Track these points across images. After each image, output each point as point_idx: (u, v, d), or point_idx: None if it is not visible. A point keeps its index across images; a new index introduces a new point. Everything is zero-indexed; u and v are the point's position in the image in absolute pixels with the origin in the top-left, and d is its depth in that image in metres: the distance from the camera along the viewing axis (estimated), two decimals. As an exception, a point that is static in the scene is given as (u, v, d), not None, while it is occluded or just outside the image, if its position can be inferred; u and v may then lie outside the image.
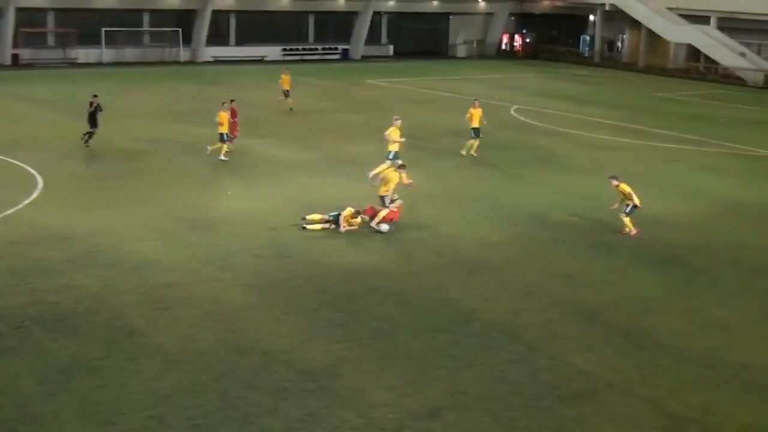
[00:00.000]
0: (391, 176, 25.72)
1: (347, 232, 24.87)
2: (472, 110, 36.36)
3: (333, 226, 24.98)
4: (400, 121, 31.50)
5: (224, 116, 34.19)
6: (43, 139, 37.30)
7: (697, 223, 27.54)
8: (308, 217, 25.37)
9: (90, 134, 35.57)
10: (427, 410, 15.06)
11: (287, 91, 47.63)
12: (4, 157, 33.04)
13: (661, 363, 17.28)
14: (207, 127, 35.88)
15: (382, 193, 25.52)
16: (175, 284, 20.55)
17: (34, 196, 27.89)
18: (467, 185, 31.43)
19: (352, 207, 25.34)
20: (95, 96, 36.19)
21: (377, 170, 27.62)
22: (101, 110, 35.77)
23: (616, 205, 25.77)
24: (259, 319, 18.73)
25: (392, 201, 25.46)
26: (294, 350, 17.22)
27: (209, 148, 34.06)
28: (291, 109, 46.15)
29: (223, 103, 35.14)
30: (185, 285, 20.55)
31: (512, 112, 49.67)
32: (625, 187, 25.55)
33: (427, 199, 28.03)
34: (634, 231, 25.42)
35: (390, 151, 30.49)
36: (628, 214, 25.43)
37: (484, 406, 15.27)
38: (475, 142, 36.18)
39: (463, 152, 36.14)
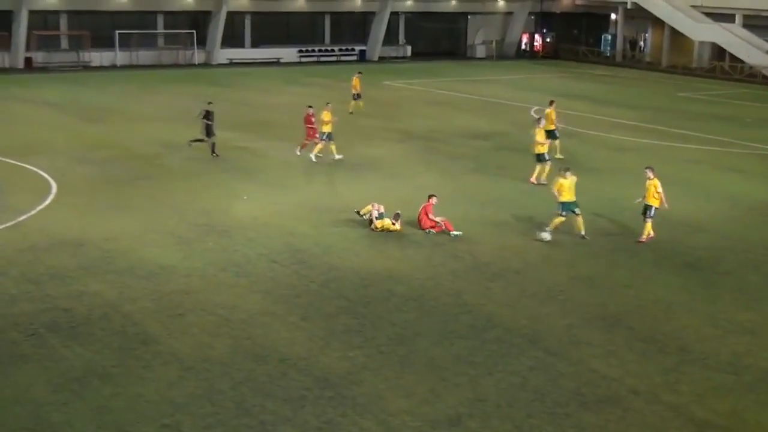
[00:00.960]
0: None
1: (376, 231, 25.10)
2: (548, 111, 36.05)
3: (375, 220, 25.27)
4: (330, 105, 35.19)
5: (328, 115, 34.33)
6: (57, 143, 37.20)
7: (721, 225, 27.15)
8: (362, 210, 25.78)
9: (200, 141, 35.27)
10: (447, 418, 14.86)
11: (358, 93, 47.29)
12: (17, 162, 32.95)
13: (687, 368, 17.01)
14: (221, 130, 35.65)
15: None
16: (190, 290, 20.35)
17: (47, 201, 27.76)
18: (485, 187, 31.11)
19: (391, 218, 25.33)
20: (210, 103, 35.89)
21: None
22: (211, 119, 35.02)
23: (640, 200, 25.32)
24: (275, 326, 18.49)
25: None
26: (311, 357, 17.01)
27: (308, 154, 34.48)
28: (351, 113, 45.34)
29: (327, 103, 35.49)
30: (200, 291, 20.34)
31: (532, 113, 49.27)
32: (658, 184, 24.96)
33: (445, 201, 27.69)
34: (649, 236, 24.93)
35: (324, 132, 34.22)
36: (651, 217, 24.92)
37: (506, 414, 15.04)
38: (556, 143, 35.37)
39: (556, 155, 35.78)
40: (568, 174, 25.05)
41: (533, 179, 31.14)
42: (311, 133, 34.80)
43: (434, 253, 23.67)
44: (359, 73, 49.29)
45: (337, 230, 25.34)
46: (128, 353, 16.99)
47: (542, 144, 31.14)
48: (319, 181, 31.38)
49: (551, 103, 36.71)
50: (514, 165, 34.70)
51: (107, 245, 23.34)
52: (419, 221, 25.41)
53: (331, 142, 34.39)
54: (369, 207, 25.58)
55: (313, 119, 34.80)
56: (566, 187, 24.78)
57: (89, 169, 32.40)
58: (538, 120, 32.93)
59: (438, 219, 25.29)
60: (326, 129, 34.20)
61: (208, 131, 34.94)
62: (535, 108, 36.35)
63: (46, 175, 30.92)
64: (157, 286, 20.51)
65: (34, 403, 15.04)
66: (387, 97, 54.57)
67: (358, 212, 25.81)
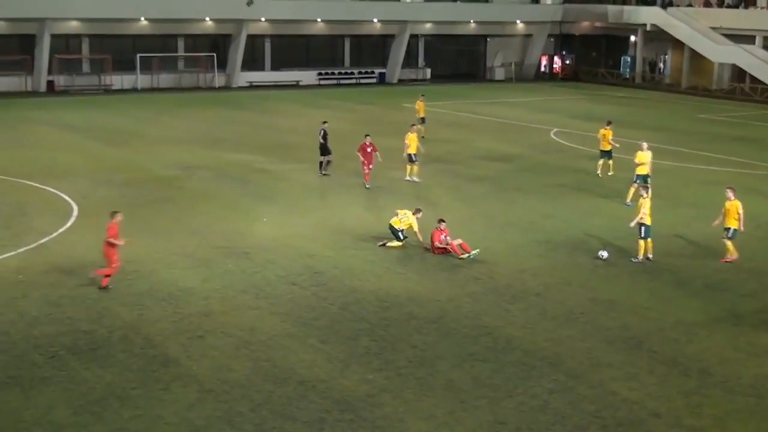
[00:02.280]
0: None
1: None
2: (603, 131, 37.28)
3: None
4: (415, 126, 36.82)
5: (412, 138, 35.16)
6: (79, 166, 37.41)
7: (742, 247, 26.90)
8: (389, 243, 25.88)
9: (327, 162, 36.37)
10: (467, 442, 14.73)
11: (422, 118, 47.09)
12: (40, 185, 33.15)
13: (708, 391, 16.86)
14: (241, 153, 35.80)
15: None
16: (210, 312, 20.38)
17: (69, 223, 27.90)
18: (505, 210, 31.07)
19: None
20: (325, 122, 36.95)
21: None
22: (326, 138, 36.25)
23: (717, 222, 25.34)
24: (295, 348, 18.47)
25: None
26: (331, 379, 16.97)
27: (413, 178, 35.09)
28: (422, 137, 43.94)
29: (413, 125, 37.10)
30: (220, 313, 20.36)
31: (552, 135, 49.29)
32: (738, 206, 25.15)
33: (464, 224, 27.68)
34: (734, 256, 25.01)
35: (409, 154, 35.24)
36: (730, 238, 24.96)
37: (526, 438, 14.91)
38: (610, 162, 37.18)
39: (609, 172, 37.12)
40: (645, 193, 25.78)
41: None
42: (367, 162, 33.76)
43: (454, 275, 23.63)
44: (422, 95, 49.07)
45: (356, 252, 25.34)
46: (148, 375, 17.01)
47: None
48: (338, 204, 31.40)
49: (608, 123, 37.88)
50: (533, 187, 34.65)
51: (128, 267, 23.36)
52: (432, 247, 25.37)
53: (415, 164, 35.31)
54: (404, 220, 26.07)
55: (368, 149, 33.75)
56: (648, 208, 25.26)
57: (110, 191, 32.55)
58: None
59: (455, 242, 25.24)
60: (411, 151, 35.13)
61: (323, 150, 36.19)
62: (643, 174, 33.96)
63: (67, 198, 31.09)
64: (176, 308, 20.56)
65: (54, 425, 15.07)
66: (406, 119, 54.49)
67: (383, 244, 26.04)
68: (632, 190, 31.58)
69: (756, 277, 24.11)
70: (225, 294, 21.65)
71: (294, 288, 22.21)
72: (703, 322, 20.52)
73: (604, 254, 25.17)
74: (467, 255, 24.93)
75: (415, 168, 35.44)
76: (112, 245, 21.89)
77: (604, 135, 37.13)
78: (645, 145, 32.97)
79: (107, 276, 21.87)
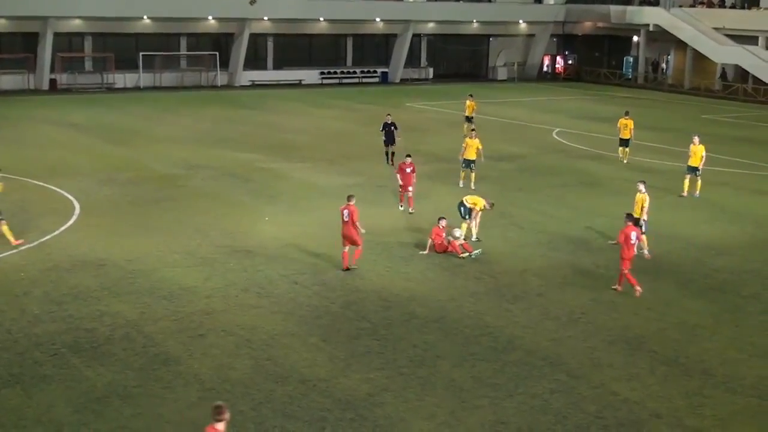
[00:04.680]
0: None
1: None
2: (624, 121, 40.28)
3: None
4: (475, 132, 35.88)
5: (471, 143, 34.55)
6: (81, 164, 37.42)
7: (745, 248, 26.95)
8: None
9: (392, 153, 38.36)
10: (468, 441, 14.72)
11: (470, 117, 47.35)
12: (42, 183, 33.16)
13: (710, 392, 16.86)
14: (244, 152, 35.78)
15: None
16: (211, 311, 20.38)
17: (71, 222, 27.90)
18: (507, 209, 31.03)
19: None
20: (388, 114, 39.35)
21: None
22: (396, 128, 38.45)
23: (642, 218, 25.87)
24: (296, 347, 18.47)
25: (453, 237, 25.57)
26: (332, 379, 16.97)
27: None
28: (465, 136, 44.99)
29: (472, 130, 36.65)
30: (222, 312, 20.36)
31: (554, 135, 49.26)
32: (645, 199, 25.95)
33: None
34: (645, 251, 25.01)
35: (465, 159, 34.35)
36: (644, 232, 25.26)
37: (527, 438, 14.91)
38: (627, 150, 40.51)
39: (624, 160, 40.32)
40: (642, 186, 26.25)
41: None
42: (405, 185, 30.16)
43: (455, 274, 23.62)
44: (471, 95, 49.37)
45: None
46: (149, 374, 17.02)
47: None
48: (340, 203, 31.25)
49: (627, 113, 41.17)
50: (535, 187, 34.64)
51: (129, 266, 23.43)
52: (435, 246, 25.34)
53: (471, 170, 34.45)
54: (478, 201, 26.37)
55: (407, 169, 30.23)
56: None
57: (112, 190, 32.56)
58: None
59: (456, 241, 25.23)
60: (469, 156, 34.35)
61: (391, 138, 38.40)
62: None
63: (69, 196, 31.10)
64: (178, 307, 20.55)
65: (55, 423, 15.08)
66: (409, 118, 54.58)
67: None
68: (686, 183, 33.71)
69: (758, 278, 24.08)
70: (227, 293, 21.65)
71: (296, 287, 22.21)
72: (704, 323, 20.51)
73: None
74: (468, 254, 24.92)
75: (472, 175, 34.31)
76: (356, 227, 23.58)
77: (625, 125, 40.09)
78: (697, 139, 34.29)
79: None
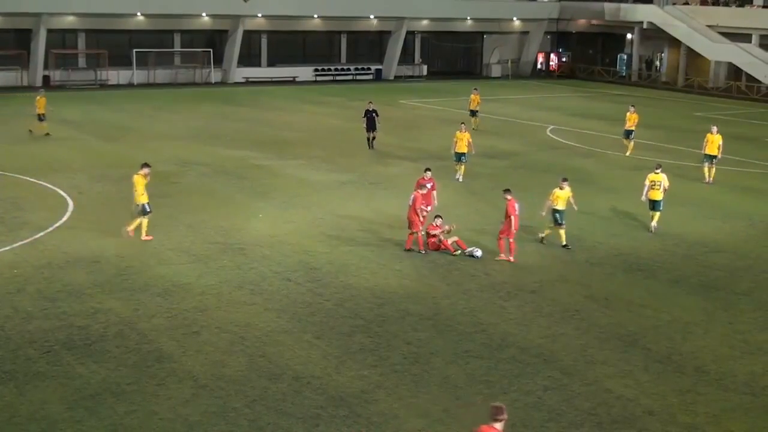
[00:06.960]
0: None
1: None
2: (629, 114, 42.23)
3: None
4: (464, 125, 36.31)
5: (461, 136, 35.12)
6: (74, 161, 37.36)
7: (738, 245, 27.00)
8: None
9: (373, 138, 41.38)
10: (461, 438, 14.72)
11: (474, 111, 49.03)
12: (35, 180, 33.10)
13: (703, 389, 16.90)
14: (237, 149, 35.74)
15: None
16: (205, 308, 20.36)
17: (64, 218, 27.86)
18: (501, 207, 30.96)
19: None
20: (370, 102, 42.31)
21: None
22: (377, 115, 41.29)
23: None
24: (290, 344, 18.47)
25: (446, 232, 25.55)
26: (326, 376, 16.97)
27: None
28: (474, 128, 46.42)
29: (462, 124, 36.67)
30: (215, 309, 20.35)
31: (548, 132, 49.28)
32: (569, 194, 26.32)
33: (460, 220, 27.62)
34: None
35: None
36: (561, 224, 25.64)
37: (521, 435, 14.91)
38: (630, 143, 42.23)
39: (628, 153, 41.79)
40: (565, 185, 26.21)
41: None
42: (416, 222, 25.13)
43: (449, 272, 23.63)
44: (475, 89, 50.80)
45: (351, 249, 25.33)
46: (143, 371, 17.00)
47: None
48: (334, 200, 31.36)
49: (632, 107, 42.80)
50: (529, 184, 34.62)
51: (123, 263, 23.39)
52: (429, 243, 25.30)
53: (462, 162, 35.29)
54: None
55: (427, 185, 27.02)
56: (561, 198, 25.96)
57: (106, 187, 32.51)
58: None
59: (450, 239, 25.23)
60: (459, 150, 35.16)
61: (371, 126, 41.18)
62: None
63: (63, 193, 31.05)
64: (172, 304, 20.53)
65: (48, 420, 15.05)
66: (403, 116, 54.63)
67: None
68: (706, 170, 36.15)
69: (751, 275, 24.13)
70: (220, 290, 21.63)
71: (289, 284, 22.20)
72: (698, 320, 20.55)
73: (478, 253, 24.94)
74: (461, 251, 24.92)
75: (462, 167, 35.21)
76: (416, 213, 24.76)
77: (630, 117, 42.13)
78: (715, 129, 36.58)
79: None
